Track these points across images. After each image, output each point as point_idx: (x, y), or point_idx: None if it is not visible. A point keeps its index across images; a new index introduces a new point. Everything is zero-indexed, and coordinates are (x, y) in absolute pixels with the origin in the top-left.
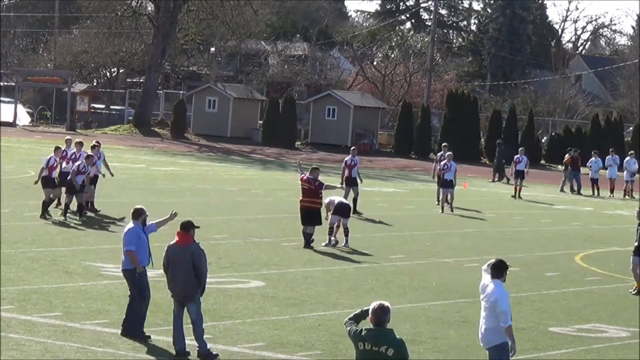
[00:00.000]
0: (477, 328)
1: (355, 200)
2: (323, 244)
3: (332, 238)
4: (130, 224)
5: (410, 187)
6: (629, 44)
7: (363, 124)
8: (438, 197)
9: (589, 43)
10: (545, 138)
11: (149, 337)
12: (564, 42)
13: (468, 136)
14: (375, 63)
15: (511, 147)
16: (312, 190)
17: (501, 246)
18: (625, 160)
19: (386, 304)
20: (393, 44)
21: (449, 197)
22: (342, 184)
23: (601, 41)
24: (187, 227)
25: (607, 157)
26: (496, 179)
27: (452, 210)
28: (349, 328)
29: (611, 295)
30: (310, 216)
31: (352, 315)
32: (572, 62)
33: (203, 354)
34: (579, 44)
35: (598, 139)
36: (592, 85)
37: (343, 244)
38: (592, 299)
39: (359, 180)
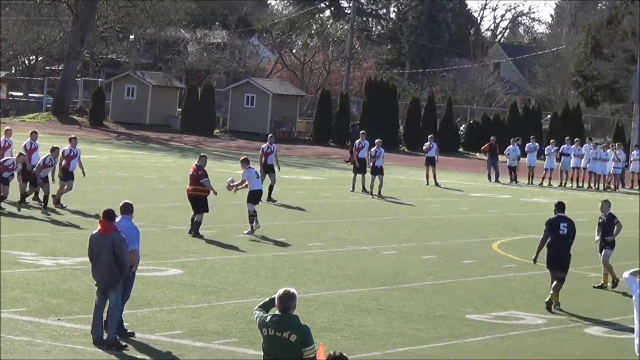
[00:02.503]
0: (392, 315)
1: (271, 188)
2: (245, 232)
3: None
4: (126, 220)
5: (329, 174)
6: (548, 32)
7: (282, 112)
8: (353, 184)
9: (507, 31)
10: (463, 126)
11: (133, 333)
12: (482, 31)
13: (387, 124)
14: (294, 51)
15: (427, 134)
16: (194, 178)
17: (419, 234)
18: (547, 148)
19: (292, 290)
20: (312, 32)
21: (378, 183)
22: (260, 171)
23: (520, 29)
24: (109, 216)
25: (527, 145)
26: (351, 161)
27: (380, 196)
28: (256, 315)
29: (528, 283)
30: (193, 203)
31: (261, 303)
32: (490, 50)
33: (109, 342)
34: (497, 32)
35: (516, 127)
36: (510, 73)
37: (246, 232)
38: (509, 287)
39: (276, 168)
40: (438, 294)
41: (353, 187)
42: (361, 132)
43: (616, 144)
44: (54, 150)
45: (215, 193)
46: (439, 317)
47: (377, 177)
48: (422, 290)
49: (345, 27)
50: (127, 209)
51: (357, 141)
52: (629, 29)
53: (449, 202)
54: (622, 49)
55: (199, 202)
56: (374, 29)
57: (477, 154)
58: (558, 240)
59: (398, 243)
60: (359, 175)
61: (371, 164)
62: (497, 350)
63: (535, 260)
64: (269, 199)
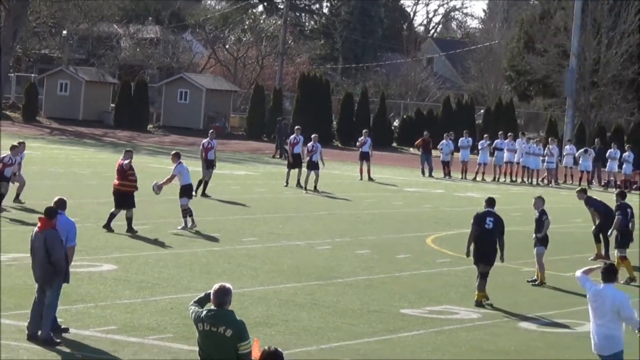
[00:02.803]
0: (327, 310)
1: (206, 183)
2: (179, 227)
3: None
4: (61, 216)
5: (262, 170)
6: (480, 27)
7: (215, 107)
8: (287, 180)
9: (440, 26)
10: (396, 121)
11: (67, 329)
12: (415, 25)
13: (320, 119)
14: (227, 46)
15: (360, 129)
16: (121, 173)
17: (353, 228)
18: (480, 143)
19: (227, 285)
20: (245, 27)
21: (314, 177)
22: (202, 166)
23: (453, 24)
24: (48, 213)
25: (460, 139)
26: (277, 156)
27: (315, 191)
28: (191, 310)
29: (462, 277)
30: (120, 198)
31: (196, 298)
32: (423, 45)
33: (43, 338)
34: (430, 27)
35: (450, 121)
36: (443, 68)
37: (180, 227)
38: (443, 281)
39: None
40: (372, 289)
41: (287, 183)
42: (296, 127)
43: (549, 139)
44: (14, 148)
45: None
46: (373, 312)
47: (313, 171)
48: (356, 285)
49: (278, 22)
50: (62, 204)
51: (292, 137)
52: (562, 24)
53: (382, 197)
54: (555, 43)
55: (125, 197)
56: (307, 24)
57: (411, 148)
58: (484, 235)
59: (332, 238)
60: (294, 171)
61: (308, 158)
62: (432, 345)
63: (467, 255)
64: (203, 194)
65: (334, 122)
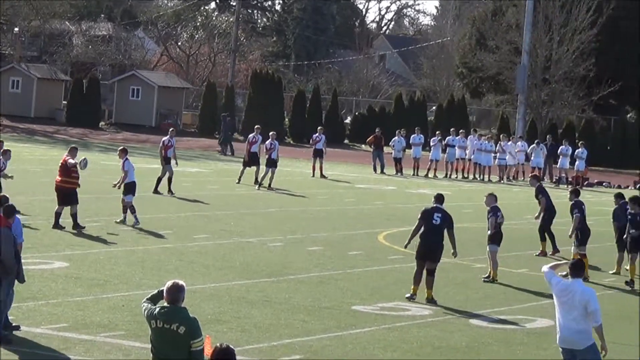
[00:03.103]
0: (279, 307)
1: (170, 180)
2: (117, 220)
3: (124, 215)
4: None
5: (214, 167)
6: (432, 24)
7: (167, 104)
8: (240, 177)
9: (392, 23)
10: (349, 118)
11: (18, 327)
12: (368, 22)
13: (272, 116)
14: (180, 43)
15: (314, 126)
16: (64, 169)
17: (305, 225)
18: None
19: (180, 282)
20: (198, 24)
21: (269, 175)
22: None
23: (405, 21)
24: (7, 211)
25: (412, 136)
26: (228, 153)
27: (270, 188)
28: (144, 307)
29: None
30: (63, 195)
31: (149, 295)
32: (376, 42)
33: None
34: (383, 24)
35: (402, 118)
36: (395, 65)
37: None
38: (395, 278)
39: (174, 162)
40: (324, 286)
41: (239, 180)
42: (256, 126)
43: (502, 136)
44: (6, 152)
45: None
46: (325, 309)
47: (270, 169)
48: (308, 282)
49: (231, 19)
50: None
51: (250, 135)
52: (513, 21)
53: (335, 194)
54: (507, 40)
55: (68, 194)
56: (259, 21)
57: (363, 145)
58: (431, 231)
59: (284, 235)
60: (249, 169)
61: (267, 156)
62: (383, 342)
63: (406, 246)
64: (169, 191)
65: (286, 119)
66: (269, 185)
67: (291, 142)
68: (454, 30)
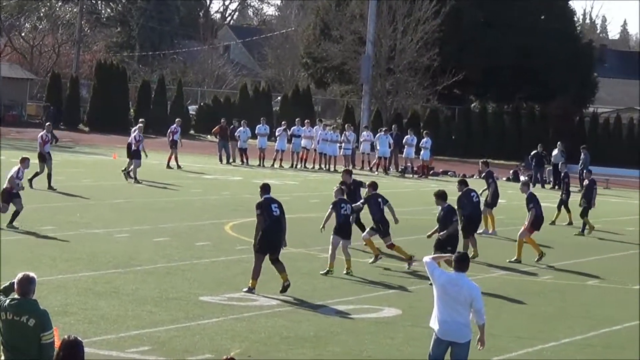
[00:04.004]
0: (126, 298)
1: (49, 175)
2: None
3: None
4: None
5: (60, 157)
6: (277, 14)
7: (11, 95)
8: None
9: (237, 13)
10: (194, 108)
11: None
12: (212, 13)
13: (117, 107)
14: (23, 34)
15: (161, 118)
16: None
17: (152, 216)
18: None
19: (31, 274)
20: (41, 14)
21: (135, 167)
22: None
23: (249, 11)
24: None
25: (258, 127)
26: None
27: (135, 179)
28: None
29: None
30: None
31: (1, 287)
32: (220, 32)
33: None
34: (227, 15)
35: (247, 108)
36: (240, 55)
37: None
38: (243, 268)
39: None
40: (171, 277)
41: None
42: (140, 120)
43: (346, 125)
44: (25, 160)
45: None
46: (173, 300)
47: (134, 160)
48: (156, 273)
49: (75, 9)
50: None
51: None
52: (357, 11)
53: (181, 185)
54: (351, 30)
55: None
56: (103, 11)
57: (208, 136)
58: (274, 223)
59: (131, 226)
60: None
61: (135, 148)
62: (231, 332)
63: (256, 246)
64: (49, 187)
65: (131, 110)
66: (133, 176)
67: None
68: (298, 20)
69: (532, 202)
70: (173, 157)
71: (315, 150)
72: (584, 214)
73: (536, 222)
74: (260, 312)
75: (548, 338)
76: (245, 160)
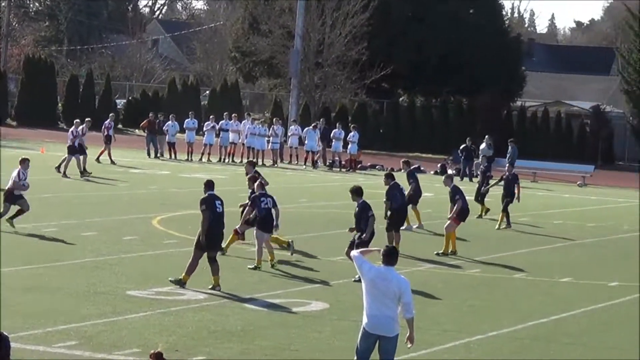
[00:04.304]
0: (54, 292)
1: None
2: None
3: None
4: None
5: None
6: (205, 8)
7: None
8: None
9: (165, 7)
10: (122, 102)
11: None
12: (141, 7)
13: (45, 101)
14: None
15: (89, 112)
16: None
17: (80, 210)
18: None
19: None
20: None
21: (82, 161)
22: None
23: (178, 5)
24: None
25: (186, 121)
26: None
27: (63, 174)
28: None
29: (189, 258)
30: None
31: None
32: (149, 26)
33: None
34: (155, 9)
35: (175, 103)
36: (169, 49)
37: None
38: (170, 262)
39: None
40: (99, 271)
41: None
42: (87, 119)
43: (274, 119)
44: (25, 161)
45: None
46: (100, 294)
47: (74, 156)
48: (84, 267)
49: (2, 3)
50: None
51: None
52: (286, 5)
53: (109, 179)
54: (280, 24)
55: None
56: (31, 5)
57: (137, 130)
58: (217, 219)
59: (59, 220)
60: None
61: (71, 144)
62: (159, 326)
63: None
64: None
65: (60, 104)
66: (62, 170)
67: (65, 127)
68: (227, 14)
69: (457, 194)
70: (106, 152)
71: (243, 144)
72: (505, 208)
73: (462, 214)
74: (187, 306)
75: (475, 331)
76: (173, 154)
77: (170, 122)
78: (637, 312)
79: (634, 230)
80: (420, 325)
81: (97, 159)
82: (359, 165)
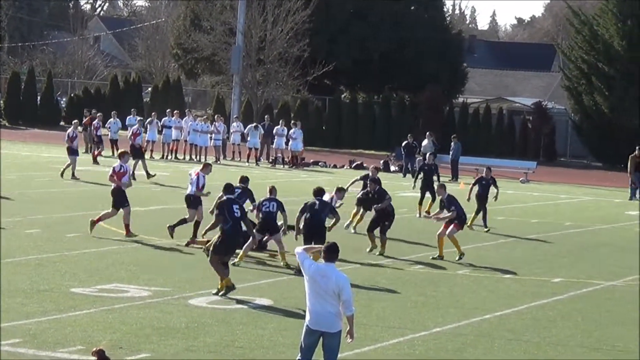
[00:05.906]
0: None
1: None
2: None
3: None
4: None
5: None
6: (147, 4)
7: None
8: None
9: (107, 4)
10: (64, 99)
11: None
12: (82, 4)
13: None
14: None
15: (31, 109)
16: None
17: (23, 208)
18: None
19: None
20: None
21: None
22: None
23: (119, 2)
24: None
25: (128, 118)
26: None
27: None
28: None
29: (133, 255)
30: None
31: None
32: (90, 23)
33: None
34: (97, 6)
35: (118, 100)
36: (110, 46)
37: None
38: (114, 259)
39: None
40: (42, 268)
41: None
42: (74, 122)
43: (216, 116)
44: (124, 155)
45: None
46: (44, 292)
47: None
48: (27, 265)
49: None
50: None
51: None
52: (228, 2)
53: (53, 177)
54: (221, 21)
55: None
56: None
57: (79, 127)
58: (233, 224)
59: (2, 217)
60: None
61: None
62: (103, 323)
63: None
64: None
65: (1, 101)
66: (73, 173)
67: (7, 124)
68: (168, 11)
69: (452, 204)
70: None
71: (185, 141)
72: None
73: (460, 220)
74: (131, 304)
75: (419, 327)
76: (116, 151)
77: (112, 119)
78: (581, 308)
79: (576, 227)
80: (364, 322)
81: (95, 161)
82: (302, 162)
